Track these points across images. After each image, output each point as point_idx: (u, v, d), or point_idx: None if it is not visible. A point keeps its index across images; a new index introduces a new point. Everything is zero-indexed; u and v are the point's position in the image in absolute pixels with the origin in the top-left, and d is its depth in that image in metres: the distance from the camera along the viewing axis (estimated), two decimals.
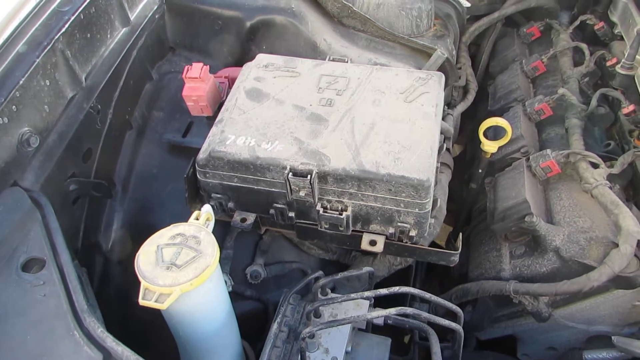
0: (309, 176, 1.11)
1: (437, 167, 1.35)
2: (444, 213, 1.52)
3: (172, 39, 1.76)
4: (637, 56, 1.63)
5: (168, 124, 1.60)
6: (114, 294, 1.45)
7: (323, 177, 1.13)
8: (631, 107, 1.55)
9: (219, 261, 1.45)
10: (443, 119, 1.70)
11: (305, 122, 1.22)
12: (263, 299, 1.50)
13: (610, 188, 1.36)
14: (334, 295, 1.19)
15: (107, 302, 1.37)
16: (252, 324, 1.45)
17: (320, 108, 1.25)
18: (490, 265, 1.48)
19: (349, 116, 1.23)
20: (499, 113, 1.87)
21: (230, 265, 1.47)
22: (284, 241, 1.52)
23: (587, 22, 2.06)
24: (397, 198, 1.13)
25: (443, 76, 1.33)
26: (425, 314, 1.09)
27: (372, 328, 1.31)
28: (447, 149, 1.72)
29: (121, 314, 1.40)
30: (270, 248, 1.52)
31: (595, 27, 2.03)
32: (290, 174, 1.12)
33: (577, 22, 2.04)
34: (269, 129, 1.21)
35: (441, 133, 1.54)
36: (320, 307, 1.23)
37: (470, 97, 1.93)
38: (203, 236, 1.01)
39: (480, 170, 1.67)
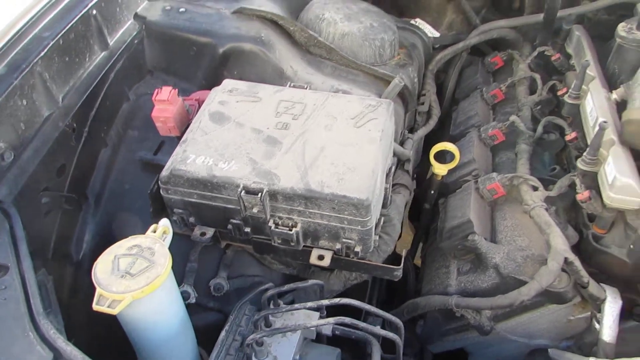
0: (259, 194, 1.21)
1: (386, 188, 1.46)
2: (398, 231, 1.62)
3: (150, 63, 1.87)
4: (583, 86, 1.75)
5: (142, 143, 1.70)
6: (83, 301, 1.53)
7: (273, 195, 1.23)
8: (574, 134, 1.66)
9: (185, 274, 1.56)
10: (402, 143, 1.83)
11: (261, 144, 1.33)
12: (225, 311, 1.58)
13: (547, 209, 1.47)
14: (282, 305, 1.28)
15: (77, 309, 1.46)
16: (214, 334, 1.53)
17: (276, 131, 1.35)
18: (439, 281, 1.57)
19: (302, 139, 1.33)
20: (459, 137, 1.98)
21: (195, 278, 1.55)
22: (247, 256, 1.60)
23: (546, 53, 2.19)
24: (341, 216, 1.22)
25: (392, 104, 1.44)
26: (362, 324, 1.18)
27: (336, 342, 1.38)
28: (406, 171, 1.83)
29: (89, 320, 1.48)
30: (234, 262, 1.60)
31: (552, 58, 2.15)
32: (243, 191, 1.22)
33: (535, 53, 2.16)
34: (227, 150, 1.31)
35: (395, 156, 1.66)
36: (271, 318, 1.32)
37: (432, 122, 2.05)
38: (157, 248, 1.11)
39: (432, 192, 1.77)
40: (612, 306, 1.30)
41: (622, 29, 1.76)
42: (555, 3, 1.99)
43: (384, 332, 1.20)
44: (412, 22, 2.46)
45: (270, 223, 1.28)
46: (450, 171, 1.81)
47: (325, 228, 1.27)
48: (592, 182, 1.45)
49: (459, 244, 1.53)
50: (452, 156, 1.69)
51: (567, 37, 2.17)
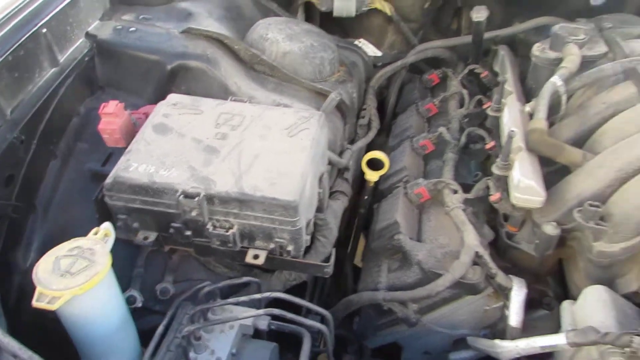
0: (197, 198, 1.31)
1: (319, 193, 1.59)
2: (334, 234, 1.74)
3: (102, 79, 1.95)
4: (502, 100, 1.93)
5: (91, 154, 1.77)
6: (29, 306, 1.59)
7: (210, 199, 1.34)
8: (492, 143, 1.84)
9: (132, 279, 1.63)
10: (341, 153, 1.97)
11: (200, 152, 1.43)
12: None
13: (464, 210, 1.62)
14: (217, 300, 1.38)
15: (25, 314, 1.51)
16: None
17: (215, 141, 1.47)
18: (371, 279, 1.70)
19: (239, 148, 1.45)
20: (395, 148, 2.14)
21: (142, 282, 1.63)
22: (192, 261, 1.69)
23: (475, 70, 2.38)
24: (272, 217, 1.34)
25: (323, 116, 1.57)
26: (290, 315, 1.29)
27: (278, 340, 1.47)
28: (345, 179, 1.97)
29: (37, 323, 1.53)
30: (180, 267, 1.69)
31: (482, 75, 2.35)
32: (182, 196, 1.32)
33: (465, 71, 2.35)
34: (168, 158, 1.41)
35: (331, 164, 1.79)
36: (212, 315, 1.42)
37: (371, 134, 2.19)
38: (98, 248, 1.19)
39: (366, 197, 1.91)
40: (517, 294, 1.45)
41: (536, 48, 1.96)
42: (480, 26, 2.18)
43: (310, 322, 1.31)
44: (356, 42, 2.64)
45: (209, 226, 1.39)
46: (385, 178, 1.95)
47: (259, 229, 1.38)
48: (504, 185, 1.61)
49: (387, 244, 1.66)
50: (379, 164, 1.83)
51: (495, 56, 2.38)
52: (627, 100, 1.61)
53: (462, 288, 1.51)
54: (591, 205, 1.38)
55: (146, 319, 1.53)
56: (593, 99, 1.74)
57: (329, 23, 2.66)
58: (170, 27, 1.94)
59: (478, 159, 2.02)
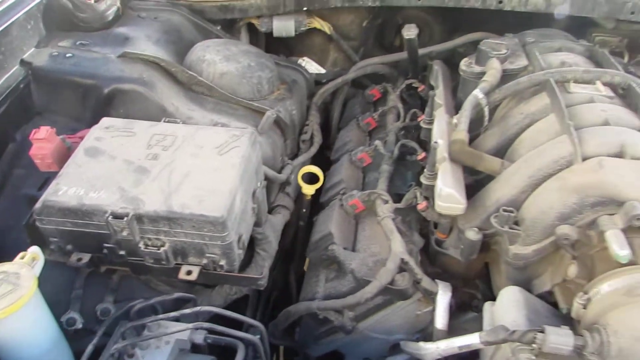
0: (125, 218, 1.34)
1: (253, 208, 1.64)
2: (274, 247, 1.80)
3: (39, 105, 1.96)
4: (433, 112, 2.03)
5: (27, 180, 1.78)
6: None
7: (139, 218, 1.37)
8: (423, 155, 1.92)
9: (71, 301, 1.63)
10: (281, 169, 2.02)
11: (131, 173, 1.47)
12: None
13: (394, 219, 1.69)
14: (150, 317, 1.40)
15: None
16: None
17: (146, 161, 1.50)
18: (310, 290, 1.75)
19: (169, 168, 1.48)
20: (336, 162, 2.21)
21: (84, 304, 1.64)
22: (133, 280, 1.71)
23: (413, 85, 2.49)
24: (202, 233, 1.38)
25: (255, 133, 1.63)
26: (221, 328, 1.32)
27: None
28: (287, 194, 2.02)
29: None
30: (120, 287, 1.70)
31: (419, 90, 2.46)
32: (110, 217, 1.35)
33: (403, 86, 2.45)
34: (98, 181, 1.44)
35: (268, 180, 1.84)
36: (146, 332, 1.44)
37: (313, 149, 2.26)
38: (23, 272, 1.21)
39: (304, 210, 1.96)
40: (442, 298, 1.53)
41: (463, 63, 2.07)
42: (412, 43, 2.29)
43: (242, 334, 1.35)
44: (300, 60, 2.72)
45: (141, 244, 1.42)
46: (324, 191, 2.02)
47: (190, 245, 1.42)
48: (431, 194, 1.69)
49: (323, 255, 1.72)
50: (314, 178, 1.90)
51: (431, 70, 2.49)
52: (542, 111, 1.72)
53: (392, 294, 1.57)
54: (505, 211, 1.47)
55: (87, 340, 1.54)
56: (513, 109, 1.85)
57: (274, 43, 2.74)
58: (108, 52, 1.98)
59: (414, 170, 2.10)
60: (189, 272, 1.45)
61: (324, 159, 2.37)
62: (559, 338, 1.14)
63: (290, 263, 2.13)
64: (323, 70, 2.71)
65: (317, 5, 2.32)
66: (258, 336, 1.45)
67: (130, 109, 1.89)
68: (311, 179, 1.92)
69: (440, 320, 1.51)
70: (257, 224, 1.74)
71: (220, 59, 2.04)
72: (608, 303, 1.17)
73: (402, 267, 1.56)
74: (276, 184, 2.00)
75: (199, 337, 1.46)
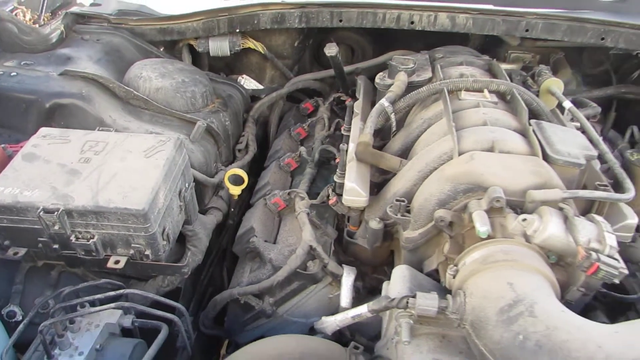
0: (56, 213, 1.51)
1: (180, 206, 1.81)
2: (204, 244, 1.97)
3: None
4: (352, 121, 2.26)
5: None
6: None
7: (69, 213, 1.54)
8: (338, 158, 2.15)
9: (11, 295, 1.77)
10: (215, 174, 2.21)
11: (64, 175, 1.63)
12: None
13: (308, 214, 1.90)
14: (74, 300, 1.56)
15: None
16: None
17: (79, 164, 1.67)
18: (236, 280, 1.93)
19: (99, 170, 1.66)
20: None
21: (25, 297, 1.77)
22: (72, 274, 1.85)
23: (341, 98, 2.73)
24: (127, 225, 1.55)
25: (180, 139, 1.81)
26: (139, 307, 1.49)
27: None
28: (220, 197, 2.21)
29: None
30: (61, 281, 1.84)
31: (346, 102, 2.70)
32: (42, 212, 1.51)
33: (331, 99, 2.69)
34: (33, 182, 1.60)
35: (199, 183, 2.03)
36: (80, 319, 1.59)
37: (248, 157, 2.46)
38: None
39: (232, 209, 2.15)
40: (346, 279, 1.72)
41: (378, 77, 2.32)
42: (335, 59, 2.53)
43: (161, 313, 1.51)
44: (240, 78, 2.93)
45: (72, 237, 1.58)
46: (254, 193, 2.21)
47: (117, 237, 1.59)
48: (342, 190, 1.90)
49: (245, 247, 1.91)
50: (239, 179, 2.10)
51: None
52: (437, 116, 1.97)
53: (305, 279, 1.77)
54: (398, 201, 1.69)
55: (31, 331, 1.67)
56: (416, 116, 2.10)
57: (216, 62, 2.95)
58: (50, 71, 2.15)
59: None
60: (116, 262, 1.61)
61: (261, 168, 2.57)
62: (426, 301, 1.35)
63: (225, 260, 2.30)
64: (261, 86, 2.93)
65: (248, 27, 2.55)
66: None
67: (70, 121, 2.05)
68: (237, 180, 2.12)
69: (345, 299, 1.70)
70: (187, 222, 1.92)
71: (156, 76, 2.24)
72: (468, 271, 1.39)
73: (313, 255, 1.76)
74: (210, 187, 2.18)
75: (127, 321, 1.62)
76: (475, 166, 1.58)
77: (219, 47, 2.62)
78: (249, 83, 2.91)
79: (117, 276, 1.84)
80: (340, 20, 2.56)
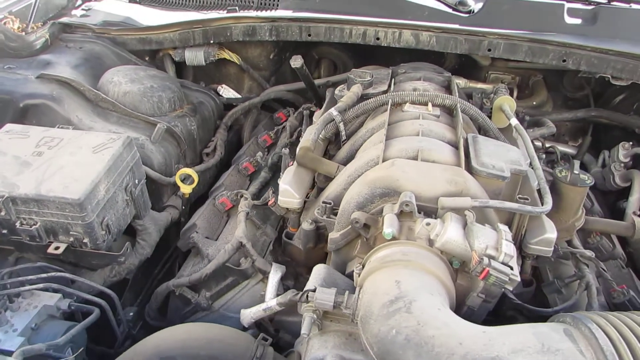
0: (1, 199, 1.65)
1: (126, 200, 1.94)
2: (154, 238, 2.09)
3: None
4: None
5: None
6: None
7: (14, 200, 1.67)
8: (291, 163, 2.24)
9: None
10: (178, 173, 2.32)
11: (16, 166, 1.78)
12: None
13: (248, 214, 1.99)
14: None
15: None
16: None
17: (31, 157, 1.82)
18: (180, 274, 2.03)
19: (49, 162, 1.80)
20: None
21: None
22: (26, 260, 1.99)
23: (311, 109, 2.83)
24: (65, 213, 1.68)
25: (130, 138, 1.94)
26: (67, 289, 1.60)
27: None
28: (178, 195, 2.33)
29: None
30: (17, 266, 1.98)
31: (315, 112, 2.79)
32: None
33: (300, 109, 2.80)
34: None
35: (153, 180, 2.15)
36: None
37: (213, 161, 2.58)
38: None
39: (183, 207, 2.27)
40: (273, 276, 1.80)
41: (338, 89, 2.42)
42: (301, 71, 2.63)
43: (90, 297, 1.62)
44: (219, 87, 3.08)
45: (17, 223, 1.71)
46: (210, 195, 2.32)
47: (57, 224, 1.71)
48: None
49: (188, 243, 2.01)
50: (189, 179, 2.22)
51: None
52: (380, 126, 2.05)
53: (236, 274, 1.86)
54: (324, 203, 1.77)
55: None
56: (363, 126, 2.18)
57: (199, 72, 3.11)
58: (29, 74, 2.32)
59: None
60: (57, 248, 1.74)
61: None
62: (324, 295, 1.42)
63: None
64: (239, 96, 3.06)
65: (222, 39, 2.69)
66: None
67: (41, 120, 2.21)
68: (188, 180, 2.23)
69: (269, 295, 1.77)
70: (137, 216, 2.04)
71: (126, 81, 2.39)
72: (368, 269, 1.45)
73: (245, 253, 1.85)
74: (168, 186, 2.30)
75: (64, 304, 1.73)
76: (393, 172, 1.65)
77: (194, 57, 2.76)
78: (227, 92, 3.04)
79: (70, 265, 1.97)
80: (309, 35, 2.67)
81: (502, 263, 1.40)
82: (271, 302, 1.56)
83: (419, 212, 1.59)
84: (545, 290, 1.82)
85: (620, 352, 1.13)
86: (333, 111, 2.13)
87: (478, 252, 1.41)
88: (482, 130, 2.19)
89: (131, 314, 1.98)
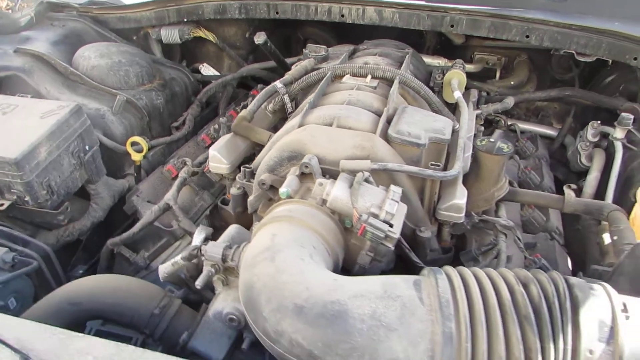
0: None
1: (74, 164, 2.08)
2: (107, 203, 2.23)
3: None
4: None
5: None
6: None
7: None
8: None
9: None
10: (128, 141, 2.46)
11: None
12: None
13: (186, 179, 2.09)
14: None
15: None
16: None
17: None
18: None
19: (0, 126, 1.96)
20: None
21: None
22: None
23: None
24: (5, 172, 1.83)
25: (78, 106, 2.07)
26: (12, 245, 1.75)
27: None
28: (139, 166, 2.46)
29: None
30: None
31: None
32: None
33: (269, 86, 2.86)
34: None
35: (107, 148, 2.28)
36: None
37: (178, 134, 2.68)
38: None
39: (135, 174, 2.39)
40: (196, 237, 1.87)
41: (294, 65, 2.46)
42: (266, 48, 2.69)
43: (21, 249, 1.77)
44: (200, 66, 3.20)
45: None
46: (166, 164, 2.44)
47: (1, 182, 1.87)
48: None
49: (130, 206, 2.13)
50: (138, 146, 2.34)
51: None
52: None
53: (167, 235, 1.96)
54: (245, 167, 1.84)
55: None
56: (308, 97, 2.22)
57: (184, 52, 3.25)
58: (8, 49, 2.52)
59: None
60: (1, 205, 1.90)
61: None
62: (213, 249, 1.50)
63: None
64: (216, 73, 3.17)
65: (194, 17, 2.79)
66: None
67: (15, 90, 2.40)
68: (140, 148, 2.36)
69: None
70: (90, 181, 2.18)
71: (95, 56, 2.54)
72: (258, 225, 1.51)
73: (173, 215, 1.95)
74: (130, 156, 2.43)
75: (8, 257, 1.89)
76: (302, 136, 1.70)
77: (170, 35, 2.89)
78: (207, 70, 3.16)
79: (30, 224, 2.14)
80: (277, 13, 2.73)
81: (384, 221, 1.43)
82: (177, 257, 1.65)
83: (325, 175, 1.63)
84: (462, 259, 1.82)
85: (457, 300, 1.14)
86: (277, 84, 2.18)
87: (360, 210, 1.44)
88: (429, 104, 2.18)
89: (81, 271, 2.13)
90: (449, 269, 1.24)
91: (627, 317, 1.12)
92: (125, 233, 1.95)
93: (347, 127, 1.77)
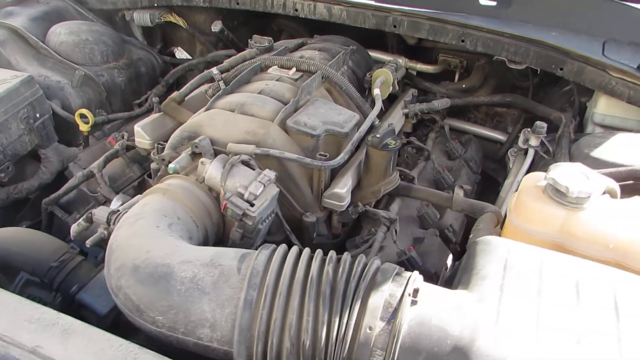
0: None
1: (22, 129, 2.31)
2: (56, 167, 2.46)
3: None
4: None
5: None
6: None
7: None
8: None
9: None
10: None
11: None
12: None
13: (118, 151, 2.29)
14: None
15: None
16: None
17: None
18: None
19: None
20: None
21: None
22: None
23: None
24: None
25: (30, 77, 2.30)
26: None
27: None
28: (94, 136, 2.69)
29: None
30: None
31: None
32: None
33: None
34: None
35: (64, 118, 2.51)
36: None
37: (138, 110, 2.88)
38: None
39: (82, 143, 2.61)
40: (114, 203, 2.08)
41: None
42: (222, 35, 2.86)
43: None
44: (175, 50, 3.40)
45: None
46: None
47: None
48: None
49: (69, 171, 2.36)
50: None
51: None
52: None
53: (92, 200, 2.18)
54: (158, 144, 2.02)
55: None
56: None
57: (166, 36, 3.45)
58: None
59: None
60: None
61: None
62: (100, 212, 1.69)
63: None
64: (188, 57, 3.36)
65: (164, 2, 2.99)
66: None
67: None
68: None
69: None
70: (40, 146, 2.42)
71: (65, 33, 2.77)
72: (143, 195, 1.70)
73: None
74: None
75: None
76: (201, 119, 1.88)
77: (142, 18, 3.09)
78: (181, 54, 3.36)
79: None
80: (237, 3, 2.89)
81: (247, 200, 1.58)
82: (81, 220, 1.85)
83: (216, 156, 1.80)
84: (347, 245, 1.95)
85: (267, 272, 1.28)
86: (214, 70, 2.35)
87: (228, 189, 1.61)
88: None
89: (24, 226, 2.37)
90: (283, 247, 1.38)
91: (414, 302, 1.25)
92: (53, 194, 2.18)
93: (250, 114, 1.93)
